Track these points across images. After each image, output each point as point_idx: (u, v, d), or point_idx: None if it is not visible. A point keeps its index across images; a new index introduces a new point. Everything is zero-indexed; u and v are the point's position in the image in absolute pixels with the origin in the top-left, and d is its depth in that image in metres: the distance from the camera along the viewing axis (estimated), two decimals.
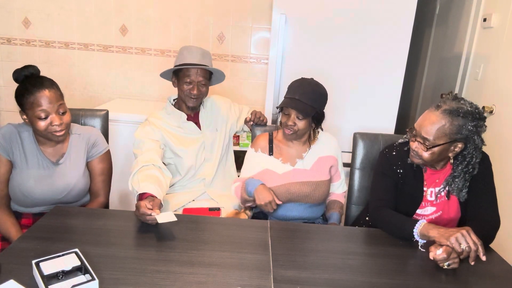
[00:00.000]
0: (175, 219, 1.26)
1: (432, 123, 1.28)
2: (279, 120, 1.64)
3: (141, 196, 1.39)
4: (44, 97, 1.38)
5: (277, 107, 1.59)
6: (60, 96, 1.45)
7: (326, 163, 1.67)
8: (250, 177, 1.65)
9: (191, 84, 1.71)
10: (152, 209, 1.27)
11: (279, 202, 1.54)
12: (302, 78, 1.58)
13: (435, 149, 1.30)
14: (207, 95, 1.82)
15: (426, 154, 1.32)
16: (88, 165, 1.59)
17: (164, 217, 1.26)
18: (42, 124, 1.40)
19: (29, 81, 1.41)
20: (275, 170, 1.63)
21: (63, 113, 1.44)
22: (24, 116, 1.43)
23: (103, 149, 1.61)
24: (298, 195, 1.61)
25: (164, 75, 1.81)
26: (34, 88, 1.39)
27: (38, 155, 1.49)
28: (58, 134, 1.43)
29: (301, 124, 1.55)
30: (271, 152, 1.66)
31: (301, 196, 1.61)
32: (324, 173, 1.66)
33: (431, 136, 1.28)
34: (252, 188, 1.56)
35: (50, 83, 1.43)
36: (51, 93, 1.40)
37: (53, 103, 1.40)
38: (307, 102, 1.50)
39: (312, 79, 1.57)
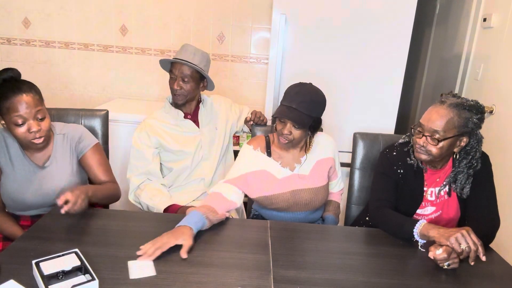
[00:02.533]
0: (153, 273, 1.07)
1: (441, 116, 1.29)
2: (274, 126, 1.55)
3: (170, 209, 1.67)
4: (21, 102, 1.31)
5: (272, 116, 1.50)
6: (39, 101, 1.37)
7: (324, 166, 1.62)
8: (243, 174, 1.54)
9: (174, 78, 1.74)
10: None
11: (183, 256, 1.14)
12: (300, 83, 1.48)
13: (444, 142, 1.30)
14: (192, 94, 1.79)
15: (435, 149, 1.32)
16: (82, 161, 1.54)
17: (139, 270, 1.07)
18: (19, 131, 1.34)
19: (6, 85, 1.33)
20: (274, 173, 1.57)
21: (42, 119, 1.37)
22: (3, 122, 1.37)
23: (91, 142, 1.55)
24: (298, 204, 1.57)
25: (163, 67, 1.84)
26: (11, 93, 1.31)
27: (24, 160, 1.45)
28: (36, 142, 1.38)
29: (297, 133, 1.47)
30: (269, 154, 1.59)
31: (301, 204, 1.57)
32: (323, 178, 1.62)
33: (441, 128, 1.29)
34: (181, 222, 1.27)
35: (28, 87, 1.35)
36: (29, 97, 1.33)
37: (30, 108, 1.32)
38: (304, 112, 1.42)
39: (310, 84, 1.49)
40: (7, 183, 1.44)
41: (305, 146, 1.59)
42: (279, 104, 1.49)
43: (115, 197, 1.57)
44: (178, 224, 1.25)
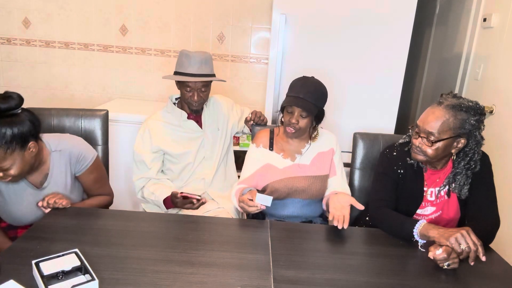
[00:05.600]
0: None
1: (436, 118, 1.29)
2: (280, 118, 1.65)
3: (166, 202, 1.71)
4: None
5: (282, 105, 1.59)
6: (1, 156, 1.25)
7: (326, 158, 1.67)
8: (252, 174, 1.66)
9: (191, 91, 1.73)
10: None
11: (260, 206, 1.40)
12: (304, 76, 1.59)
13: (440, 144, 1.30)
14: (208, 96, 1.83)
15: (430, 150, 1.32)
16: (78, 178, 1.52)
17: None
18: None
19: None
20: (276, 165, 1.65)
21: (7, 170, 1.28)
22: None
23: (90, 160, 1.50)
24: (296, 190, 1.62)
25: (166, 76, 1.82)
26: None
27: (22, 182, 1.41)
28: (5, 181, 1.32)
29: (303, 122, 1.56)
30: (271, 147, 1.68)
31: (298, 190, 1.62)
32: (324, 168, 1.66)
33: (436, 130, 1.29)
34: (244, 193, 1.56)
35: None
36: None
37: None
38: (311, 101, 1.52)
39: (313, 77, 1.59)
40: (6, 205, 1.42)
41: (309, 137, 1.67)
42: (286, 96, 1.58)
43: (105, 206, 1.60)
44: (243, 194, 1.52)
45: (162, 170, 1.86)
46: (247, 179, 1.67)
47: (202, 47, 2.90)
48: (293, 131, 1.58)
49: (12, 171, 1.29)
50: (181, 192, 1.62)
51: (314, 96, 1.53)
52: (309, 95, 1.52)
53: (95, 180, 1.55)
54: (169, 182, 1.82)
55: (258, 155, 1.68)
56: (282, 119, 1.63)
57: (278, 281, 1.06)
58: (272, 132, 1.71)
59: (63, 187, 1.47)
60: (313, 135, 1.67)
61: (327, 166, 1.68)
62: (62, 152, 1.46)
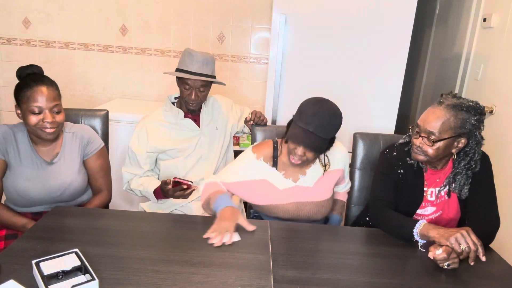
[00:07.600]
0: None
1: (437, 118, 1.29)
2: (285, 138, 1.45)
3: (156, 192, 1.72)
4: (41, 93, 1.39)
5: (287, 139, 1.41)
6: (58, 96, 1.45)
7: (331, 179, 1.56)
8: (240, 182, 1.50)
9: (189, 90, 1.74)
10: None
11: (235, 239, 1.26)
12: (317, 101, 1.38)
13: (440, 143, 1.31)
14: (206, 97, 1.83)
15: (431, 150, 1.32)
16: (85, 163, 1.60)
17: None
18: (33, 119, 1.40)
19: (30, 77, 1.43)
20: (276, 184, 1.50)
21: (58, 112, 1.44)
22: (18, 111, 1.44)
23: (99, 145, 1.62)
24: (300, 216, 1.53)
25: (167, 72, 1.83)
26: (33, 83, 1.40)
27: (32, 154, 1.49)
28: (47, 131, 1.42)
29: (311, 154, 1.40)
30: (275, 165, 1.52)
31: (303, 216, 1.53)
32: (327, 191, 1.55)
33: (437, 130, 1.29)
34: (218, 207, 1.36)
35: (50, 81, 1.44)
36: (49, 91, 1.41)
37: (49, 101, 1.40)
38: (321, 135, 1.34)
39: (328, 102, 1.39)
40: (14, 177, 1.47)
41: (321, 163, 1.54)
42: (293, 122, 1.40)
43: (103, 206, 1.63)
44: (217, 208, 1.36)
45: (155, 168, 1.87)
46: (232, 184, 1.50)
47: (202, 47, 2.90)
48: (299, 162, 1.42)
49: (60, 117, 1.45)
50: (174, 178, 1.62)
51: (325, 130, 1.34)
52: (320, 128, 1.33)
53: (101, 167, 1.62)
54: (156, 179, 1.83)
55: (257, 167, 1.51)
56: (286, 141, 1.44)
57: (278, 281, 1.06)
58: (276, 145, 1.54)
59: (71, 166, 1.55)
60: (325, 164, 1.52)
61: (331, 187, 1.57)
62: (74, 135, 1.58)
